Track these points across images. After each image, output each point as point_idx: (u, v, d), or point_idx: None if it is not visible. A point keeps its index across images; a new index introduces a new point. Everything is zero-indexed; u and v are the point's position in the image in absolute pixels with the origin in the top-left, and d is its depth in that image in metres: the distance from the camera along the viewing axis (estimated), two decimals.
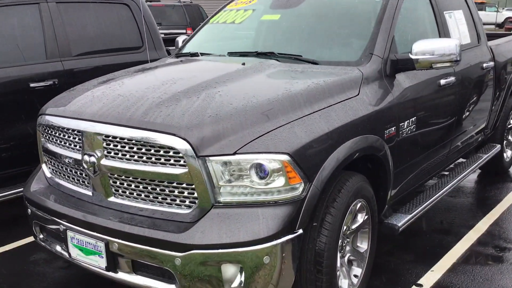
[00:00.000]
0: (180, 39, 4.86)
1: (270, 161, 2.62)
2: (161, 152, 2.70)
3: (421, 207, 3.95)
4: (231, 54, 3.97)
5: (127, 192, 2.89)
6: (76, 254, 3.03)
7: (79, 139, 3.00)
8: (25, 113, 4.65)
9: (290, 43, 3.87)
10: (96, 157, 2.89)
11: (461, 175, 4.73)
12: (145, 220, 2.80)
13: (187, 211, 2.72)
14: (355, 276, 3.33)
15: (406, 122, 3.59)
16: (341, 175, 3.03)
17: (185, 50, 4.44)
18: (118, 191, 2.92)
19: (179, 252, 2.62)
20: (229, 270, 2.64)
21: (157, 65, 3.93)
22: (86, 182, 3.08)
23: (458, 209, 5.12)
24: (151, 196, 2.81)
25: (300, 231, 2.74)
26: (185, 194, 2.71)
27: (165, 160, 2.70)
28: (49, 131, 3.25)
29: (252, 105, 2.84)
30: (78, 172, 3.11)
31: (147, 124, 2.73)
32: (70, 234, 3.02)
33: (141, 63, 5.42)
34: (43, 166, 3.42)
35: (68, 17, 5.08)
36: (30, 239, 4.48)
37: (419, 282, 3.70)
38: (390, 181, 3.52)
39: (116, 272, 2.90)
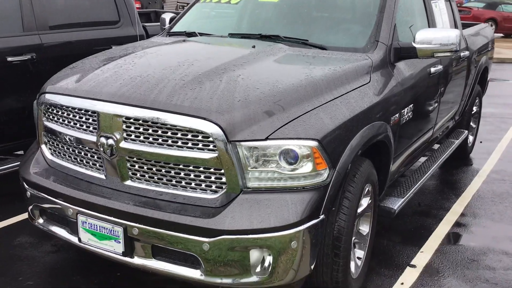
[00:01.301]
0: (166, 17, 4.70)
1: (300, 147, 2.63)
2: (189, 136, 2.64)
3: (412, 190, 4.10)
4: (232, 35, 3.90)
5: (147, 176, 2.81)
6: (87, 239, 2.92)
7: (93, 120, 2.88)
8: (4, 88, 4.40)
9: (295, 27, 3.85)
10: (115, 139, 2.78)
11: (440, 160, 4.94)
12: (167, 205, 2.74)
13: (213, 196, 2.68)
14: (359, 258, 3.42)
15: (406, 109, 3.69)
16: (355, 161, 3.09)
17: (177, 29, 4.32)
18: (135, 174, 2.84)
19: (207, 238, 2.59)
20: (256, 254, 2.64)
21: (159, 44, 3.79)
22: (97, 165, 2.97)
23: (431, 192, 5.34)
24: (173, 180, 2.75)
25: (323, 216, 2.78)
26: (212, 179, 2.67)
27: (192, 144, 2.64)
28: (54, 111, 3.09)
29: (279, 90, 2.82)
30: (89, 154, 2.99)
31: (174, 107, 2.65)
32: (81, 218, 2.90)
33: (120, 39, 5.27)
34: (43, 147, 3.25)
35: None
36: (9, 221, 4.30)
37: (412, 263, 3.85)
38: (390, 166, 3.62)
39: (132, 257, 2.83)
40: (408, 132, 3.92)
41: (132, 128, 2.75)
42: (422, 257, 3.93)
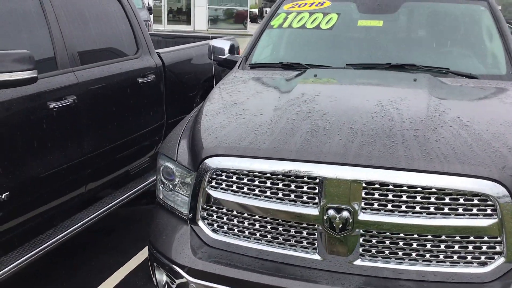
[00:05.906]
0: (224, 45, 4.01)
1: None
2: (461, 201, 2.14)
3: None
4: (352, 65, 3.41)
5: (387, 252, 2.25)
6: None
7: (309, 187, 2.24)
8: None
9: (424, 54, 3.46)
10: (351, 211, 2.19)
11: None
12: (420, 287, 2.20)
13: (482, 269, 2.20)
14: None
15: None
16: None
17: (260, 60, 3.72)
18: (369, 251, 2.26)
19: None
20: None
21: (291, 82, 3.11)
22: (305, 242, 2.33)
23: None
24: (427, 255, 2.22)
25: None
26: (483, 249, 2.19)
27: (463, 210, 2.14)
28: (233, 178, 2.37)
29: None
30: (293, 231, 2.33)
31: (440, 167, 2.13)
32: None
33: (144, 70, 4.54)
34: (201, 224, 2.51)
35: (70, 16, 3.91)
36: None
37: None
38: None
39: None
40: None
41: (376, 196, 2.18)
42: None
